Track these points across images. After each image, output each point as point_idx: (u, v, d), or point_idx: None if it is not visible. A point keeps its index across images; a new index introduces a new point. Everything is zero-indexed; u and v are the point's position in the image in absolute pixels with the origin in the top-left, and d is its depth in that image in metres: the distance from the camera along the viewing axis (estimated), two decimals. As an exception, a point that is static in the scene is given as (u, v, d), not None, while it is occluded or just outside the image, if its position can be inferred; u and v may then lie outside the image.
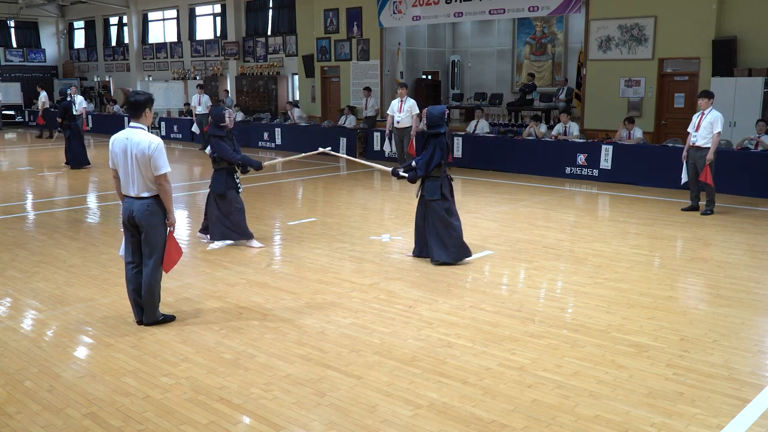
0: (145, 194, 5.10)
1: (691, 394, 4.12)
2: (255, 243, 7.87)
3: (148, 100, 5.12)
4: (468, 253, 7.12)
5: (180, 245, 5.43)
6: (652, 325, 5.27)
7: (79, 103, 18.73)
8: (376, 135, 16.06)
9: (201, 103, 18.04)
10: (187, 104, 23.39)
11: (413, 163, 7.10)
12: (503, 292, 6.19)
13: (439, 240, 6.96)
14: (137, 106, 5.08)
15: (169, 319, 5.41)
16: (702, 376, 4.37)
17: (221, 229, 7.80)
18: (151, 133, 5.17)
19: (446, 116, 6.88)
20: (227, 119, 7.66)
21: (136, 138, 5.02)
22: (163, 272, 5.34)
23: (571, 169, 13.01)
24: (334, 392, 4.17)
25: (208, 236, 8.02)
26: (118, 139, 5.11)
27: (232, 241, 7.93)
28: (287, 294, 6.13)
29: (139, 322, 5.34)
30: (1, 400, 4.11)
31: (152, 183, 5.09)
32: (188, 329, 5.26)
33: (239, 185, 7.84)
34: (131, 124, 5.14)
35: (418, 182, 7.12)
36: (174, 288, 6.31)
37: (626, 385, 4.23)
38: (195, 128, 18.61)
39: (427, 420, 3.82)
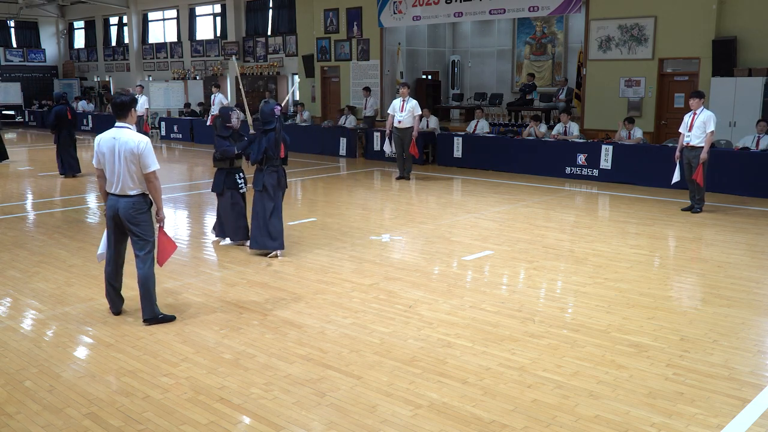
0: (133, 192, 5.20)
1: (691, 394, 4.12)
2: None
3: (133, 101, 5.32)
4: (277, 246, 7.36)
5: (173, 240, 5.51)
6: (652, 325, 5.27)
7: (141, 104, 18.40)
8: (376, 135, 16.06)
9: (215, 103, 17.86)
10: (188, 104, 23.42)
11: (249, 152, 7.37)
12: (503, 292, 6.19)
13: (255, 228, 7.37)
14: (123, 107, 5.23)
15: (168, 318, 5.43)
16: (702, 376, 4.37)
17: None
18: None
19: (277, 113, 7.22)
20: (233, 120, 7.72)
21: (125, 137, 5.15)
22: (158, 266, 5.45)
23: (571, 169, 13.01)
24: (334, 392, 4.17)
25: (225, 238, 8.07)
26: (104, 138, 5.24)
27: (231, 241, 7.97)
28: (287, 294, 6.13)
29: (117, 313, 5.54)
30: (1, 400, 4.11)
31: (140, 180, 5.21)
32: (188, 329, 5.26)
33: (240, 185, 7.84)
34: (117, 124, 5.26)
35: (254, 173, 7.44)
36: (174, 288, 6.31)
37: (626, 385, 4.23)
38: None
39: (427, 420, 3.82)
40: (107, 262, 5.45)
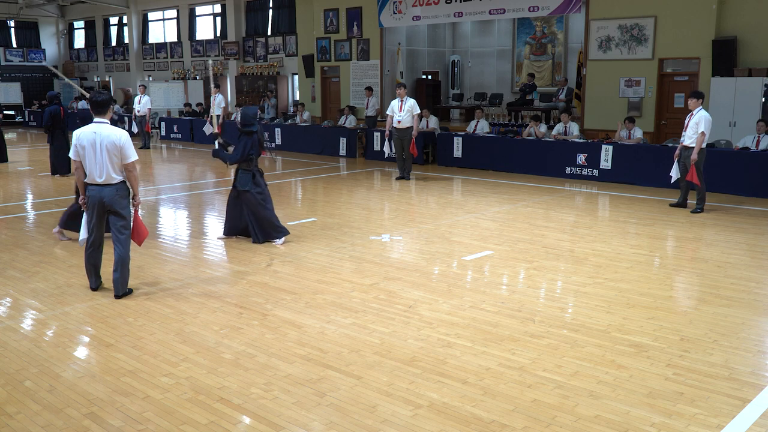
0: (116, 180, 5.75)
1: (691, 394, 4.12)
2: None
3: (111, 99, 5.89)
4: (284, 232, 8.01)
5: (145, 225, 6.07)
6: (652, 325, 5.28)
7: (144, 104, 18.44)
8: (376, 135, 16.06)
9: (214, 103, 17.79)
10: (188, 104, 23.42)
11: (230, 149, 7.92)
12: (503, 292, 6.20)
13: (256, 224, 7.89)
14: (103, 104, 5.76)
15: (130, 291, 6.09)
16: (702, 376, 4.37)
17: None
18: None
19: (257, 116, 7.80)
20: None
21: (106, 132, 5.70)
22: (138, 246, 6.17)
23: (571, 169, 13.02)
24: (334, 392, 4.17)
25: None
26: (84, 133, 5.71)
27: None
28: (287, 294, 6.13)
29: (95, 289, 6.10)
30: (1, 400, 4.11)
31: (120, 170, 5.77)
32: (188, 329, 5.26)
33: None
34: (96, 119, 5.77)
35: (233, 172, 8.03)
36: (174, 288, 6.31)
37: (626, 385, 4.23)
38: (206, 128, 18.29)
39: (427, 420, 3.82)
40: (88, 245, 5.95)
